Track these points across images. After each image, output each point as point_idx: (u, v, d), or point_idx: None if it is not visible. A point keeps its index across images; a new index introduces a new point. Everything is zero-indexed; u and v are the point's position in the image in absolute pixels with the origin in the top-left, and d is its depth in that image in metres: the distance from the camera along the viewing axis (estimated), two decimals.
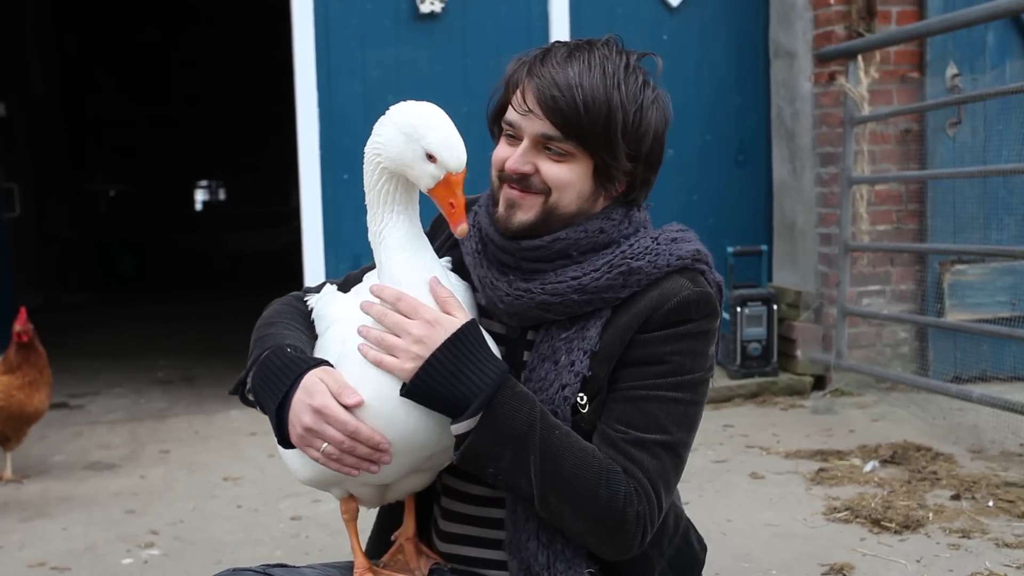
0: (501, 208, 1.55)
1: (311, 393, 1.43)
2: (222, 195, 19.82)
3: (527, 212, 1.53)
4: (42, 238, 10.59)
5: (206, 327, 8.14)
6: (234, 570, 1.58)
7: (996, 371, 4.67)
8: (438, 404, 1.42)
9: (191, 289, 11.47)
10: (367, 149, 1.48)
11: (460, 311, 1.44)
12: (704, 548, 1.72)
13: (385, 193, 1.47)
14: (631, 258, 1.52)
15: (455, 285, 1.55)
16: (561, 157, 1.51)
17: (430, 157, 1.41)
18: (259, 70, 14.59)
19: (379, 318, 1.43)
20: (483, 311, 1.60)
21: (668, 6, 5.28)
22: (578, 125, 1.47)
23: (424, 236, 1.51)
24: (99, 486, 3.79)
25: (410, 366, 1.40)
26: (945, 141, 4.91)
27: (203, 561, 2.99)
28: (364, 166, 1.48)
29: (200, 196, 19.78)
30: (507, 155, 1.54)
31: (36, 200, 10.27)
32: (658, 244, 1.54)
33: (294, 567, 1.63)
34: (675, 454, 1.50)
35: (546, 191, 1.52)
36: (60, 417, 4.91)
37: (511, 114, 1.54)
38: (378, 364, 1.42)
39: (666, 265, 1.52)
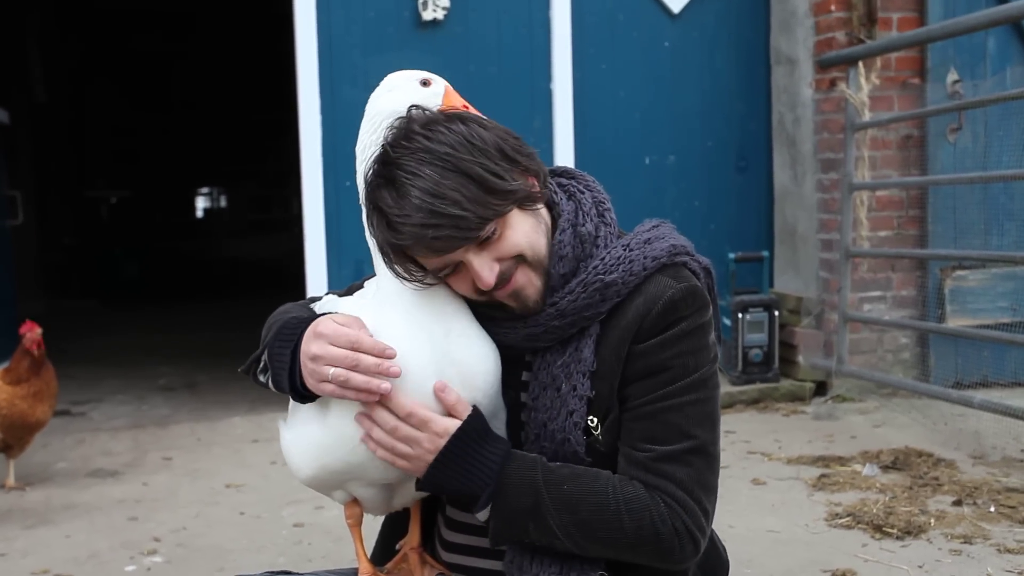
0: (513, 304, 1.50)
1: (316, 325, 1.47)
2: (223, 202, 19.86)
3: (531, 286, 1.49)
4: (44, 245, 10.62)
5: (208, 334, 8.15)
6: None
7: (997, 377, 4.66)
8: (452, 495, 1.51)
9: (193, 296, 11.49)
10: (360, 141, 1.52)
11: (466, 411, 1.46)
12: (724, 548, 1.73)
13: None
14: (603, 273, 1.49)
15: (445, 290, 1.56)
16: (500, 234, 1.45)
17: (424, 82, 1.53)
18: (260, 77, 14.63)
19: (391, 431, 1.44)
20: None
21: (670, 13, 5.30)
22: (470, 220, 1.40)
23: None
24: (102, 493, 3.79)
25: (422, 469, 1.46)
26: (946, 147, 4.92)
27: (206, 568, 3.00)
28: (360, 153, 1.52)
29: (201, 203, 19.81)
30: (467, 285, 1.48)
31: (39, 207, 10.29)
32: (630, 251, 1.51)
33: (298, 574, 1.64)
34: (706, 454, 1.49)
35: (520, 259, 1.48)
36: (63, 424, 4.92)
37: (434, 272, 1.47)
38: (391, 463, 1.47)
39: (642, 270, 1.49)
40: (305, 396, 1.50)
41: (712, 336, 1.53)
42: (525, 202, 1.48)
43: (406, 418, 1.43)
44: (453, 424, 1.44)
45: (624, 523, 1.44)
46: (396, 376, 1.42)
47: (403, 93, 1.52)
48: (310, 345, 1.45)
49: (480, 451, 1.45)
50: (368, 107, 1.55)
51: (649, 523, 1.44)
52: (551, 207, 1.55)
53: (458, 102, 1.53)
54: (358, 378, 1.41)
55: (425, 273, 1.47)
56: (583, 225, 1.53)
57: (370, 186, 1.46)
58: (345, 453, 1.49)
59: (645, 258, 1.49)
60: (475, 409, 1.46)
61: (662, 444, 1.47)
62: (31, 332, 3.76)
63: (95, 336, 8.28)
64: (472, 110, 1.52)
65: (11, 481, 3.86)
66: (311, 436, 1.52)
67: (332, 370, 1.42)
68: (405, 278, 1.46)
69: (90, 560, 3.10)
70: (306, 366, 1.46)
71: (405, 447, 1.44)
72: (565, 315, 1.49)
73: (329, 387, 1.43)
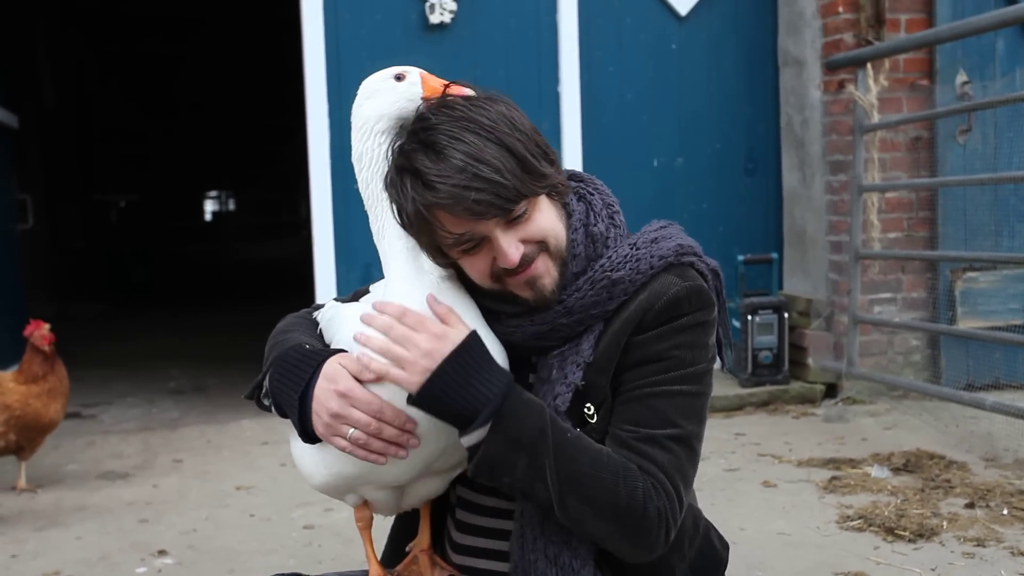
0: (527, 293, 1.49)
1: (334, 379, 1.43)
2: (232, 205, 19.92)
3: (548, 276, 1.49)
4: (54, 249, 10.66)
5: (217, 337, 8.17)
6: None
7: (1009, 379, 4.64)
8: (446, 415, 1.40)
9: (201, 299, 11.52)
10: (355, 147, 1.52)
11: (461, 324, 1.42)
12: (727, 547, 1.70)
13: (382, 189, 1.50)
14: (611, 270, 1.50)
15: (455, 289, 1.56)
16: (525, 217, 1.45)
17: (398, 77, 1.50)
18: (268, 81, 14.66)
19: (385, 330, 1.40)
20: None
21: (677, 15, 5.29)
22: (508, 190, 1.40)
23: None
24: (112, 495, 3.80)
25: (418, 379, 1.38)
26: (955, 148, 4.90)
27: (217, 570, 3.00)
28: (357, 163, 1.51)
29: (210, 207, 19.88)
30: (485, 264, 1.47)
31: (48, 211, 10.33)
32: (637, 249, 1.51)
33: None
34: (688, 447, 1.48)
35: (543, 246, 1.48)
36: (73, 427, 4.93)
37: (458, 240, 1.44)
38: (384, 376, 1.39)
39: (649, 268, 1.50)
40: (315, 438, 1.49)
41: (712, 338, 1.53)
42: (554, 191, 1.50)
43: (401, 317, 1.40)
44: (452, 331, 1.40)
45: (620, 488, 1.41)
46: (415, 447, 1.43)
47: (383, 95, 1.51)
48: (330, 402, 1.42)
49: (484, 368, 1.40)
50: (353, 118, 1.52)
51: (641, 495, 1.42)
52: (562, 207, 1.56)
53: (437, 83, 1.51)
54: (375, 444, 1.42)
55: (444, 248, 1.46)
56: (595, 225, 1.54)
57: (402, 152, 1.44)
58: (357, 459, 1.49)
59: (652, 257, 1.50)
60: (475, 331, 1.42)
61: (646, 427, 1.46)
62: (38, 330, 3.77)
63: (104, 339, 8.31)
64: (453, 88, 1.49)
65: (22, 483, 3.87)
66: (323, 445, 1.52)
67: (352, 432, 1.42)
68: (427, 254, 1.47)
69: (101, 562, 3.11)
70: (321, 418, 1.44)
71: (401, 349, 1.38)
72: (572, 312, 1.49)
73: (342, 443, 1.43)
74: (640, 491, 1.42)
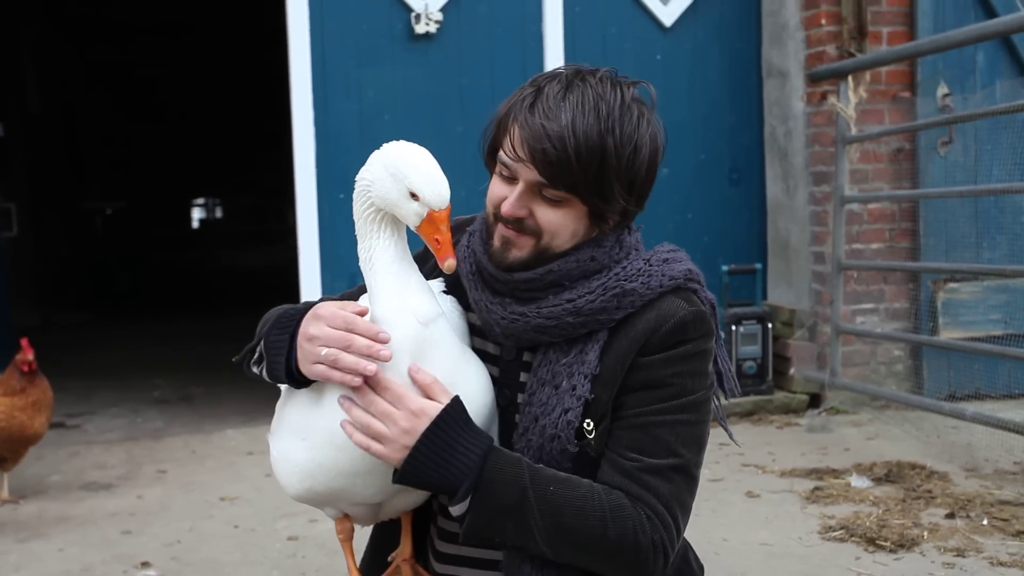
0: (497, 243, 1.56)
1: (317, 308, 1.50)
2: (219, 213, 19.88)
3: (521, 250, 1.55)
4: (39, 257, 10.59)
5: (203, 345, 8.14)
6: None
7: (989, 389, 4.68)
8: (429, 488, 1.47)
9: (188, 307, 11.47)
10: (358, 181, 1.51)
11: (444, 394, 1.46)
12: (701, 568, 1.73)
13: (372, 220, 1.51)
14: (624, 280, 1.54)
15: (447, 308, 1.58)
16: (556, 203, 1.52)
17: (413, 195, 1.45)
18: (255, 88, 14.65)
19: (366, 405, 1.44)
20: (477, 331, 1.63)
21: (661, 26, 5.33)
22: (569, 175, 1.47)
23: (410, 259, 1.54)
24: (96, 506, 3.79)
25: (398, 456, 1.43)
26: (937, 160, 4.95)
27: None
28: (354, 195, 1.51)
29: (197, 214, 19.82)
30: (502, 194, 1.54)
31: (33, 219, 10.28)
32: (651, 266, 1.56)
33: None
34: (687, 475, 1.52)
35: (538, 233, 1.53)
36: (57, 437, 4.90)
37: (503, 157, 1.54)
38: (367, 450, 1.44)
39: (659, 286, 1.54)
40: (300, 382, 1.51)
41: (711, 365, 1.58)
42: (595, 216, 1.54)
43: (381, 392, 1.44)
44: (430, 405, 1.44)
45: (608, 531, 1.45)
46: (386, 360, 1.44)
47: (389, 186, 1.45)
48: (308, 326, 1.48)
49: (461, 440, 1.44)
50: (380, 162, 1.47)
51: (631, 533, 1.46)
52: (625, 218, 1.59)
53: (443, 227, 1.46)
54: (347, 359, 1.43)
55: (498, 150, 1.55)
56: (630, 235, 1.61)
57: (554, 75, 1.53)
58: (328, 479, 1.51)
59: (663, 276, 1.55)
60: (456, 398, 1.46)
61: (649, 456, 1.50)
62: (21, 354, 3.79)
63: (89, 348, 8.26)
64: (446, 235, 1.45)
65: (4, 494, 3.86)
66: (296, 460, 1.53)
67: (324, 350, 1.44)
68: (485, 148, 1.58)
69: (83, 574, 3.10)
70: (302, 347, 1.48)
71: (380, 426, 1.43)
72: (580, 314, 1.53)
73: (320, 368, 1.45)
74: (630, 528, 1.46)
